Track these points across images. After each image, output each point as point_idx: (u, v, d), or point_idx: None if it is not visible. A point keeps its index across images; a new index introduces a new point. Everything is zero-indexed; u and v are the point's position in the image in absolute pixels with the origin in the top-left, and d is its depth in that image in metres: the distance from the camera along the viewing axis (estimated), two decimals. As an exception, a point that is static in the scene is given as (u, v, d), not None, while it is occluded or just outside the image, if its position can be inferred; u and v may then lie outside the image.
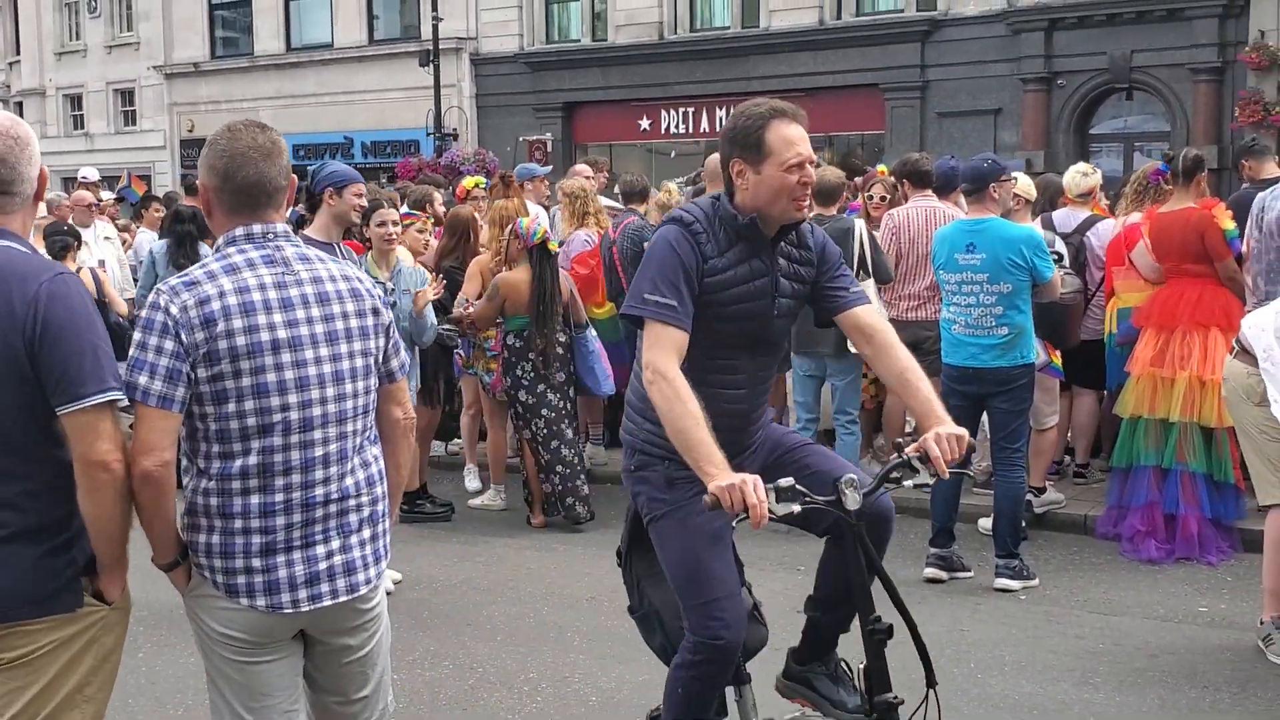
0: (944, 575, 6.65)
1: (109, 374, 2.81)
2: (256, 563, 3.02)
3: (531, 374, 7.70)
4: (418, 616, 6.18)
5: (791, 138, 3.47)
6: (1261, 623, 5.56)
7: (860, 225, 7.74)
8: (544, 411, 7.75)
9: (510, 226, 7.79)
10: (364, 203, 6.32)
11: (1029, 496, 7.24)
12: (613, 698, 5.20)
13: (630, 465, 3.73)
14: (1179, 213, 7.13)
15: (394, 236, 6.94)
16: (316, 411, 3.03)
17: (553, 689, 5.29)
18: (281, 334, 2.99)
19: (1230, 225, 6.95)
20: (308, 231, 6.20)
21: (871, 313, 3.75)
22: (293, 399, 3.00)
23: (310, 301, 3.06)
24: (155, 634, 5.85)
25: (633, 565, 3.94)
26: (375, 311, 3.18)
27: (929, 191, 8.21)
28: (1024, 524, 6.89)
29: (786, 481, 3.16)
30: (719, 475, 3.16)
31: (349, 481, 3.11)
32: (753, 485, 3.09)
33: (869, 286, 7.55)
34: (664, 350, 3.40)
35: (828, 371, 7.83)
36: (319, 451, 3.05)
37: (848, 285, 3.73)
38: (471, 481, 8.77)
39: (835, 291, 3.70)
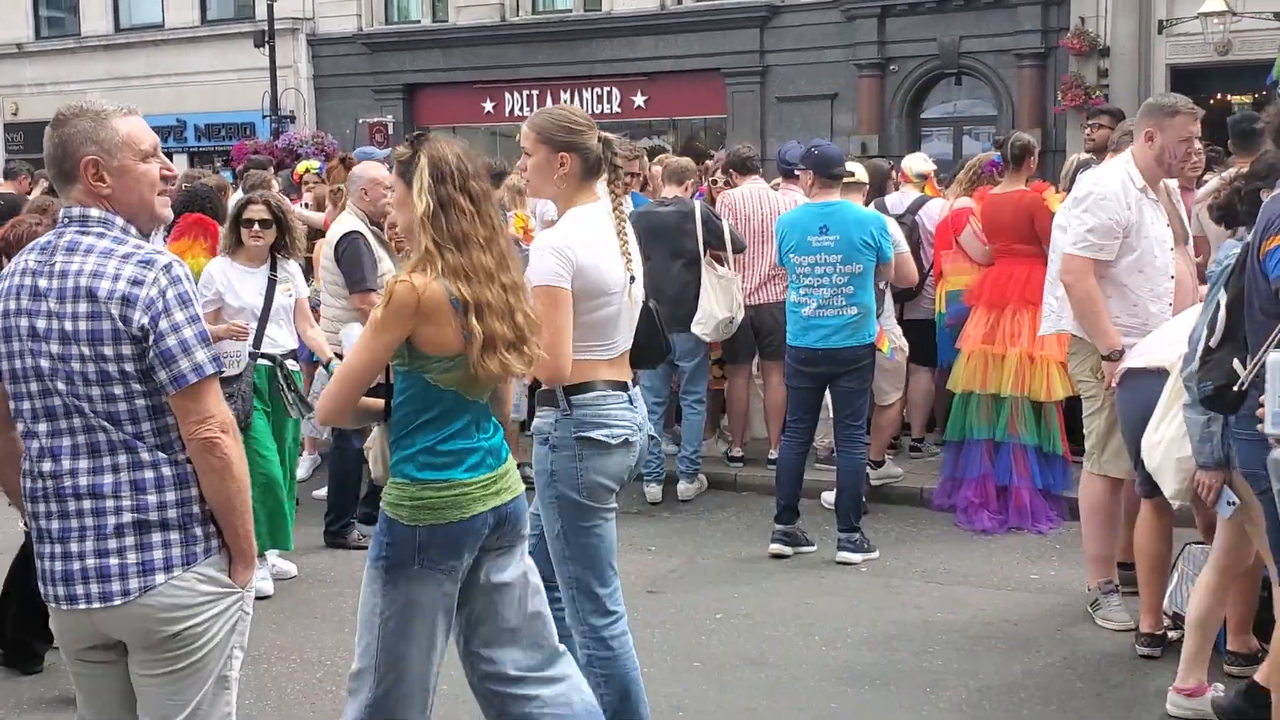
0: (788, 551, 6.77)
1: None
2: (39, 548, 3.02)
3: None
4: (262, 611, 6.05)
5: None
6: (1089, 589, 5.81)
7: (698, 205, 7.86)
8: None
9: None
10: None
11: (867, 470, 7.43)
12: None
13: None
14: (1010, 194, 7.37)
15: None
16: (56, 402, 2.93)
17: (403, 678, 5.23)
18: (14, 322, 2.95)
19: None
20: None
21: None
22: (30, 388, 2.96)
23: (48, 295, 2.92)
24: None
25: None
26: (124, 319, 2.86)
27: (757, 177, 8.50)
28: (863, 497, 7.07)
29: None
30: None
31: (106, 480, 2.92)
32: None
33: (714, 268, 7.68)
34: None
35: (676, 353, 7.84)
36: (66, 442, 2.94)
37: None
38: (302, 470, 8.60)
39: None
